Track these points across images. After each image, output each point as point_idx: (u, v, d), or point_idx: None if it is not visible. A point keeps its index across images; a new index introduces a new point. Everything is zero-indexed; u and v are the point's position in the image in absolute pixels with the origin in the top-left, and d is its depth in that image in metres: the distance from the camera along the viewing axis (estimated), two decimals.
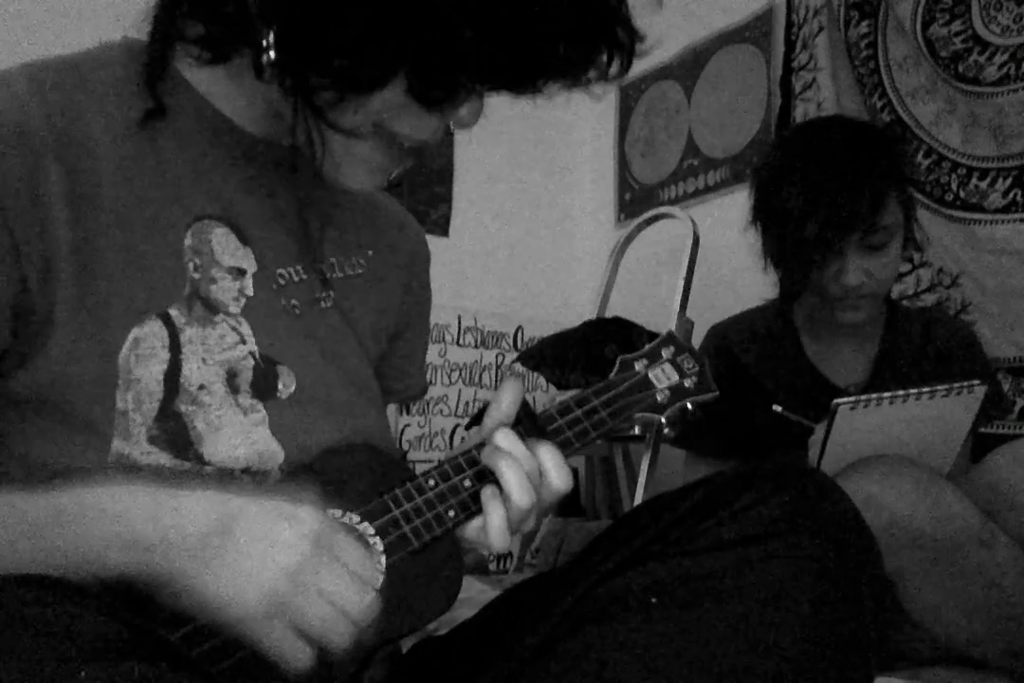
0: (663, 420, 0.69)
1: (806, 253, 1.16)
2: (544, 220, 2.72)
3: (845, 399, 1.03)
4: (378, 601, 0.52)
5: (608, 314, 2.05)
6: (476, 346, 2.45)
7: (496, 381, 2.47)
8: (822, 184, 1.14)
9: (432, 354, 2.35)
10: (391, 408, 0.84)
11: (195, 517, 0.49)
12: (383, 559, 0.58)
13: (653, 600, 0.57)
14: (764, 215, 1.23)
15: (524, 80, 0.55)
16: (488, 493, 0.60)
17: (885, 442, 1.06)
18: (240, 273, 0.62)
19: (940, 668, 1.03)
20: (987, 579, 0.96)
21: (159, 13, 0.59)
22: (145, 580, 0.49)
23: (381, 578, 0.52)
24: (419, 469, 0.62)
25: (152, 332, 0.58)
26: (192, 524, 0.48)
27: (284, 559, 0.48)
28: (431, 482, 0.61)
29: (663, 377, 0.71)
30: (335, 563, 0.50)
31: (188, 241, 0.60)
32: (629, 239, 2.08)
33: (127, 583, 0.49)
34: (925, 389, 1.04)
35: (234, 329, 0.61)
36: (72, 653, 0.38)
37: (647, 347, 0.72)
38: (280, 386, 0.62)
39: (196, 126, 0.62)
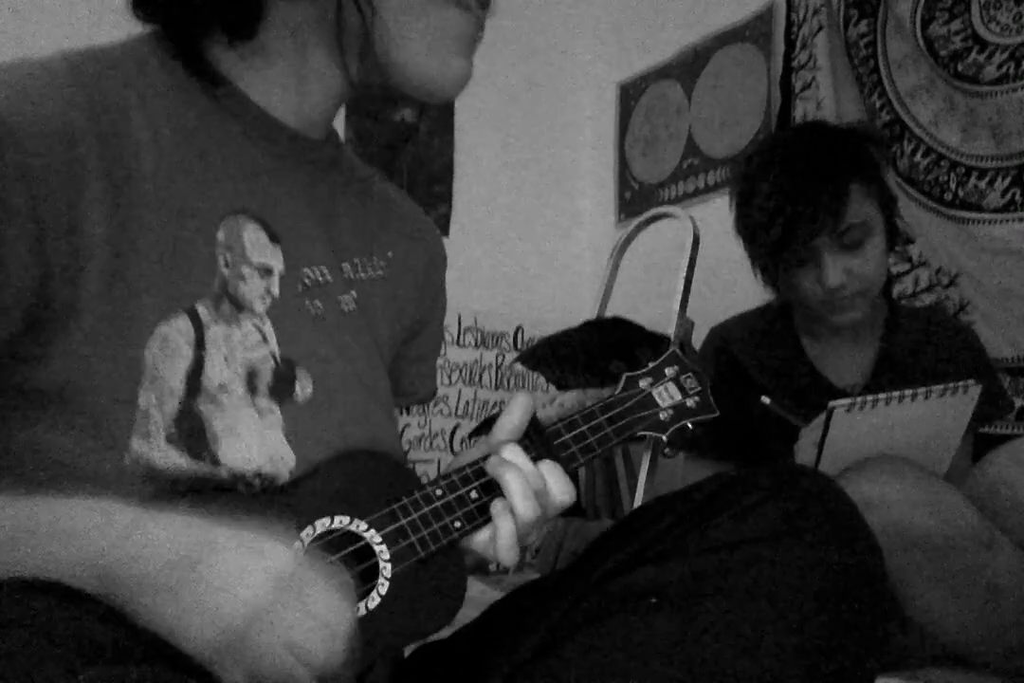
0: (664, 439, 0.71)
1: (776, 258, 1.16)
2: (544, 220, 2.72)
3: (841, 401, 1.03)
4: (347, 649, 0.48)
5: (608, 314, 2.04)
6: (476, 346, 2.45)
7: (496, 381, 2.47)
8: (780, 188, 1.14)
9: None
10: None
11: (164, 546, 0.47)
12: (389, 568, 0.58)
13: (653, 600, 0.57)
14: (739, 226, 1.24)
15: None
16: (499, 507, 0.60)
17: (882, 443, 1.06)
18: (267, 272, 0.61)
19: (939, 668, 1.03)
20: (987, 580, 0.96)
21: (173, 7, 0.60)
22: (112, 603, 0.46)
23: (349, 624, 0.48)
24: (419, 468, 0.62)
25: (178, 329, 0.56)
26: (160, 555, 0.46)
27: (246, 595, 0.45)
28: (439, 492, 0.61)
29: (666, 396, 0.72)
30: (299, 607, 0.47)
31: (221, 235, 0.59)
32: (629, 239, 2.08)
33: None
34: (920, 390, 1.04)
35: (257, 328, 0.60)
36: (71, 656, 0.38)
37: (651, 365, 0.73)
38: (297, 389, 0.61)
39: (232, 117, 0.62)
